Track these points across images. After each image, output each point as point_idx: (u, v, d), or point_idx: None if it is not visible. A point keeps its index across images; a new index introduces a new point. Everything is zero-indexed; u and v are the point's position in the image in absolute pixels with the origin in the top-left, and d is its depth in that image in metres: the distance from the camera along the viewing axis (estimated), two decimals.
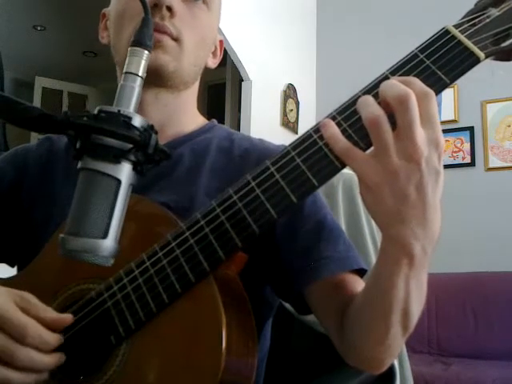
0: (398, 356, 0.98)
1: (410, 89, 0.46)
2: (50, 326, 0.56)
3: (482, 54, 0.51)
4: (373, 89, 0.51)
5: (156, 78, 0.73)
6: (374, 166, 0.47)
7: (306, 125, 3.63)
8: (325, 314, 0.69)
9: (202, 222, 0.56)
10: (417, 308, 0.55)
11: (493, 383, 2.33)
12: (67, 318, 0.58)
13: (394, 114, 0.47)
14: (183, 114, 0.80)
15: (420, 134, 0.46)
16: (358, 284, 0.66)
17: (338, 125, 0.51)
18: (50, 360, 0.55)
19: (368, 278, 0.59)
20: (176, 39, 0.72)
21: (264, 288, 0.74)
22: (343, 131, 0.50)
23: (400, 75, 0.51)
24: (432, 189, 0.48)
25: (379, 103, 0.48)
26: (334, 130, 0.50)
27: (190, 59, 0.75)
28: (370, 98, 0.48)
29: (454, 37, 0.51)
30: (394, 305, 0.53)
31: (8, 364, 0.53)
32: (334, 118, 0.52)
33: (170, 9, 0.71)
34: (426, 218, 0.48)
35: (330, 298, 0.67)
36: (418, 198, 0.47)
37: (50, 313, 0.57)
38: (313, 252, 0.68)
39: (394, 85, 0.47)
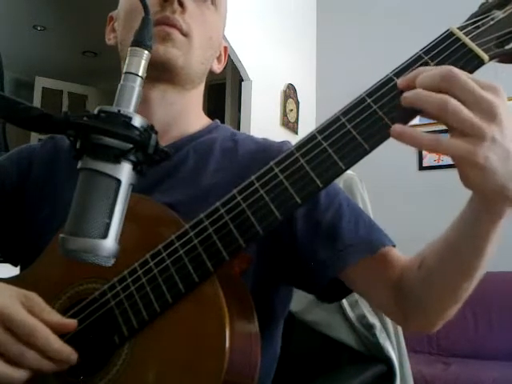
0: (394, 359, 0.99)
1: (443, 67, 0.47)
2: (53, 329, 0.55)
3: (486, 57, 0.51)
4: (376, 91, 0.52)
5: (164, 73, 0.73)
6: (471, 145, 0.46)
7: (306, 125, 3.63)
8: (372, 291, 0.70)
9: (206, 223, 0.56)
10: (491, 256, 0.57)
11: (493, 383, 2.33)
12: (71, 323, 0.57)
13: (451, 93, 0.46)
14: (188, 114, 0.80)
15: (485, 92, 0.46)
16: (399, 255, 0.68)
17: (343, 126, 0.52)
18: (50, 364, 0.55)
19: (450, 240, 0.58)
20: (186, 34, 0.73)
21: (278, 286, 0.75)
22: (342, 125, 0.51)
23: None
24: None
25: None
26: (410, 129, 0.48)
27: (199, 57, 0.76)
28: (425, 91, 0.47)
29: (458, 39, 0.52)
30: (485, 261, 0.55)
31: (12, 362, 0.53)
32: (338, 119, 0.52)
33: (181, 4, 0.72)
34: None
35: (374, 276, 0.68)
36: (505, 139, 0.47)
37: (54, 316, 0.56)
38: (335, 243, 0.68)
39: (427, 74, 0.47)
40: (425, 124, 3.69)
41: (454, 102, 0.46)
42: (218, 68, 0.85)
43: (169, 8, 0.72)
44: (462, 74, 0.46)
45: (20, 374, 0.53)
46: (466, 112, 0.46)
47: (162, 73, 0.73)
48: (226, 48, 0.87)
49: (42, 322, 0.55)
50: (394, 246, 0.70)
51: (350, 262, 0.67)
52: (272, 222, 0.53)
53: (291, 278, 0.73)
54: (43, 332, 0.54)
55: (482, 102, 0.46)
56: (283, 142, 0.77)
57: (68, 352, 0.55)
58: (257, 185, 0.54)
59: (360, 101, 0.52)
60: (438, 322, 0.64)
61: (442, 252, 0.60)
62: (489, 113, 0.46)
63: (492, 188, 0.48)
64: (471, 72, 0.51)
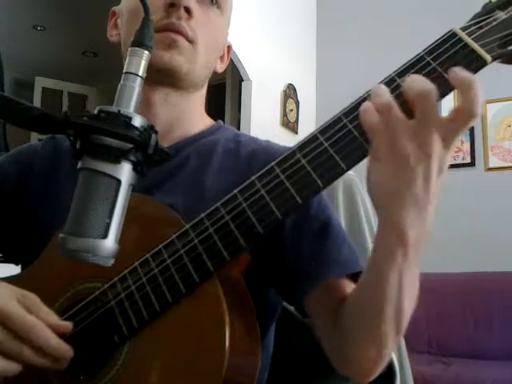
0: (394, 359, 0.98)
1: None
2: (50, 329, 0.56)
3: (488, 57, 0.51)
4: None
5: (168, 79, 0.73)
6: (389, 146, 0.48)
7: (305, 125, 3.63)
8: (318, 317, 0.69)
9: (207, 223, 0.56)
10: (409, 307, 0.56)
11: (492, 383, 2.33)
12: (66, 326, 0.57)
13: (414, 105, 0.48)
14: (191, 115, 0.80)
15: (437, 129, 0.48)
16: (351, 288, 0.66)
17: (344, 126, 0.52)
18: (47, 363, 0.55)
19: (362, 276, 0.59)
20: (191, 41, 0.72)
21: (268, 291, 0.74)
22: (343, 126, 0.52)
23: (397, 85, 0.51)
24: (434, 184, 0.49)
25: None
26: (368, 104, 0.50)
27: (203, 62, 0.75)
28: (383, 87, 0.50)
29: (460, 39, 0.51)
30: (388, 298, 0.54)
31: (9, 357, 0.53)
32: (340, 119, 0.52)
33: (187, 10, 0.71)
34: (426, 208, 0.49)
35: (324, 302, 0.67)
36: (424, 186, 0.48)
37: (50, 317, 0.57)
38: (318, 255, 0.68)
39: (418, 79, 0.49)
40: None
41: (398, 109, 0.48)
42: (220, 68, 0.85)
43: (175, 14, 0.71)
44: (434, 103, 0.48)
45: (15, 367, 0.54)
46: (405, 121, 0.48)
47: (165, 78, 0.73)
48: (229, 47, 0.87)
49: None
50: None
51: (331, 277, 0.66)
52: (273, 222, 0.53)
53: (277, 284, 0.73)
54: (41, 330, 0.54)
55: (426, 132, 0.48)
56: (287, 148, 0.76)
57: (65, 349, 0.55)
58: (258, 185, 0.54)
59: (362, 101, 0.52)
60: (360, 364, 0.62)
61: (356, 286, 0.61)
62: (422, 142, 0.48)
63: (380, 197, 0.51)
64: (474, 72, 0.51)
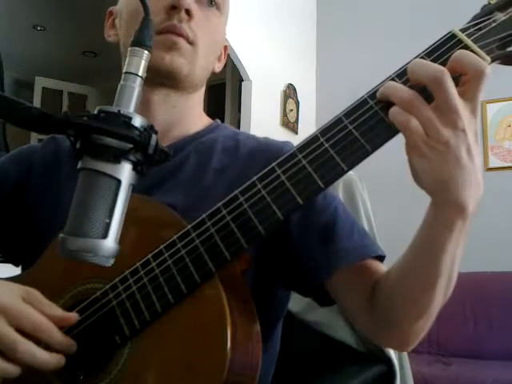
0: (394, 359, 0.98)
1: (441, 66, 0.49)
2: (55, 322, 0.56)
3: (487, 58, 0.51)
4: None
5: (168, 80, 0.74)
6: (426, 138, 0.49)
7: (305, 125, 3.63)
8: (349, 301, 0.69)
9: (208, 223, 0.56)
10: (457, 269, 0.57)
11: (493, 383, 2.33)
12: (72, 316, 0.58)
13: (431, 91, 0.49)
14: (190, 115, 0.80)
15: (461, 105, 0.49)
16: (380, 268, 0.67)
17: (345, 128, 0.52)
18: (50, 359, 0.55)
19: (410, 248, 0.59)
20: (192, 43, 0.73)
21: (276, 288, 0.75)
22: (344, 127, 0.52)
23: (407, 78, 0.51)
24: (476, 151, 0.50)
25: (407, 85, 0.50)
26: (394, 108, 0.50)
27: (202, 63, 0.76)
28: (395, 84, 0.51)
29: (460, 41, 0.52)
30: (443, 269, 0.55)
31: (6, 357, 0.53)
32: (340, 120, 0.52)
33: (188, 12, 0.72)
34: (477, 178, 0.51)
35: (352, 286, 0.67)
36: (469, 161, 0.50)
37: (55, 310, 0.58)
38: (329, 245, 0.68)
39: (426, 65, 0.49)
40: None
41: (421, 98, 0.49)
42: (218, 67, 0.85)
43: (176, 16, 0.71)
44: (451, 83, 0.48)
45: (14, 369, 0.54)
46: (430, 110, 0.49)
47: (166, 79, 0.73)
48: (226, 47, 0.87)
49: (44, 315, 0.56)
50: (384, 256, 0.70)
51: (343, 265, 0.66)
52: (274, 223, 0.54)
53: (286, 279, 0.73)
54: (47, 325, 0.55)
55: (451, 110, 0.48)
56: (285, 143, 0.77)
57: (70, 343, 0.57)
58: (259, 186, 0.54)
59: (362, 102, 0.52)
60: (408, 337, 0.63)
61: (402, 262, 0.60)
62: (452, 120, 0.49)
63: (435, 188, 0.51)
64: None
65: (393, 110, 0.50)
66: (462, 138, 0.49)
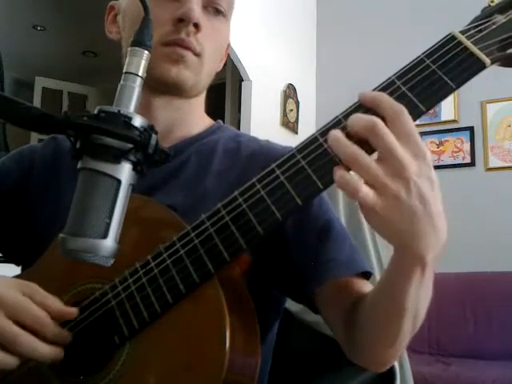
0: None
1: (374, 116, 0.48)
2: (55, 316, 0.57)
3: (487, 60, 0.51)
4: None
5: (173, 90, 0.74)
6: (375, 195, 0.47)
7: (306, 125, 3.63)
8: (331, 314, 0.69)
9: (208, 224, 0.56)
10: (424, 307, 0.57)
11: (493, 383, 2.33)
12: (71, 311, 0.59)
13: (370, 143, 0.48)
14: (192, 116, 0.80)
15: (402, 152, 0.47)
16: (365, 286, 0.67)
17: (344, 128, 0.51)
18: (49, 351, 0.56)
19: (379, 285, 0.59)
20: (198, 54, 0.73)
21: (271, 290, 0.75)
22: (343, 128, 0.51)
23: (406, 80, 0.51)
24: (433, 198, 0.48)
25: (348, 135, 0.49)
26: (341, 172, 0.49)
27: (208, 71, 0.76)
28: (339, 136, 0.49)
29: (460, 42, 0.52)
30: (406, 310, 0.54)
31: (6, 349, 0.54)
32: (340, 121, 0.52)
33: (196, 25, 0.71)
34: (435, 227, 0.49)
35: (336, 300, 0.67)
36: (425, 212, 0.48)
37: (56, 302, 0.58)
38: (319, 254, 0.68)
39: (357, 117, 0.49)
40: (425, 124, 3.67)
41: (364, 155, 0.47)
42: (218, 67, 0.85)
43: (184, 30, 0.70)
44: (384, 128, 0.47)
45: (14, 360, 0.54)
46: (373, 166, 0.47)
47: (171, 90, 0.74)
48: (227, 45, 0.86)
49: (44, 308, 0.57)
50: (371, 274, 0.70)
51: (329, 277, 0.66)
52: (273, 224, 0.53)
53: (281, 284, 0.73)
54: (45, 318, 0.56)
55: (394, 160, 0.47)
56: (286, 148, 0.77)
57: (67, 336, 0.58)
58: (258, 186, 0.54)
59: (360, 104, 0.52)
60: (377, 361, 0.64)
61: (372, 295, 0.61)
62: (397, 172, 0.47)
63: (392, 240, 0.50)
64: (472, 75, 0.51)
65: (338, 179, 0.48)
66: (413, 187, 0.47)
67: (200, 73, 0.74)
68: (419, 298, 0.54)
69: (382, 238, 0.51)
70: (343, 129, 0.50)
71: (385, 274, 0.57)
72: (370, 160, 0.47)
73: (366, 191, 0.47)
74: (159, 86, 0.72)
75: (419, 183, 0.47)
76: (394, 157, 0.47)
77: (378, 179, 0.47)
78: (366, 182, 0.48)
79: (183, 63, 0.71)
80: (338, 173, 0.49)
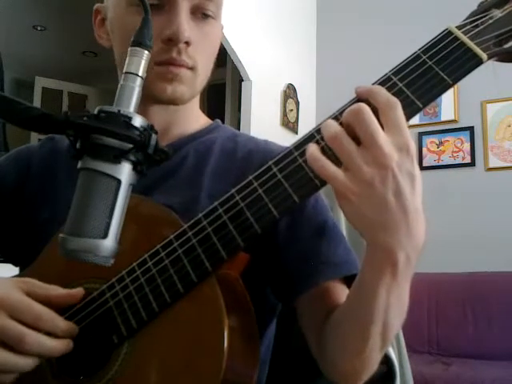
0: (394, 359, 0.98)
1: (364, 103, 0.48)
2: (60, 302, 0.58)
3: (484, 55, 0.51)
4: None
5: (170, 104, 0.74)
6: (348, 179, 0.47)
7: (306, 125, 3.63)
8: (307, 322, 0.68)
9: (205, 222, 0.56)
10: (397, 321, 0.55)
11: (492, 383, 2.33)
12: (78, 293, 0.60)
13: (353, 128, 0.48)
14: (188, 115, 0.80)
15: (384, 140, 0.46)
16: (344, 292, 0.65)
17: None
18: (57, 344, 0.56)
19: (351, 288, 0.59)
20: (192, 68, 0.72)
21: (267, 289, 0.74)
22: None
23: (403, 76, 0.51)
24: (410, 194, 0.47)
25: (341, 124, 0.49)
26: (312, 149, 0.50)
27: (203, 77, 0.75)
28: (330, 121, 0.50)
29: (456, 38, 0.52)
30: (375, 315, 0.53)
31: (13, 349, 0.53)
32: (336, 119, 0.52)
33: (186, 42, 0.70)
34: (409, 224, 0.48)
35: (314, 307, 0.66)
36: (398, 205, 0.47)
37: (60, 290, 0.59)
38: (312, 256, 0.67)
39: (349, 108, 0.49)
40: (425, 124, 3.67)
41: (346, 137, 0.48)
42: (212, 66, 0.84)
43: (175, 49, 0.69)
44: (370, 114, 0.47)
45: (25, 361, 0.54)
46: (352, 148, 0.47)
47: (168, 103, 0.74)
48: (220, 40, 0.86)
49: (48, 298, 0.57)
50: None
51: (321, 280, 0.66)
52: (270, 221, 0.53)
53: (272, 284, 0.73)
54: (49, 314, 0.56)
55: (373, 146, 0.46)
56: (284, 148, 0.76)
57: (73, 328, 0.58)
58: (255, 184, 0.54)
59: (357, 100, 0.52)
60: (346, 375, 0.61)
61: (344, 301, 0.60)
62: (375, 159, 0.46)
63: (363, 231, 0.50)
64: (469, 71, 0.51)
65: (309, 155, 0.49)
66: (390, 178, 0.46)
67: (195, 84, 0.74)
68: (390, 303, 0.52)
69: (355, 229, 0.50)
70: (340, 125, 0.50)
71: (358, 275, 0.56)
72: (350, 141, 0.47)
73: (334, 170, 0.47)
74: (156, 101, 0.73)
75: (398, 176, 0.47)
76: (374, 143, 0.46)
77: (354, 160, 0.47)
78: (344, 166, 0.48)
79: (178, 80, 0.71)
80: (310, 149, 0.49)
